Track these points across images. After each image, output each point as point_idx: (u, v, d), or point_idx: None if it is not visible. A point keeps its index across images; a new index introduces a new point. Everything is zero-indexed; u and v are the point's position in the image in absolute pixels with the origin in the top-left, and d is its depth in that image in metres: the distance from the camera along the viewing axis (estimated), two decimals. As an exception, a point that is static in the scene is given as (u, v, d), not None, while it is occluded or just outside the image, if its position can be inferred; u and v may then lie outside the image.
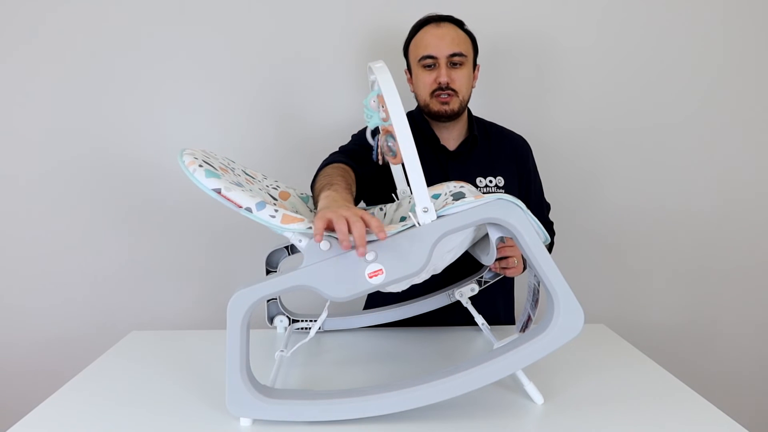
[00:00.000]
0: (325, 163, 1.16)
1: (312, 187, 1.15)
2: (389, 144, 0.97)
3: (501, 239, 0.91)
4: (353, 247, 0.77)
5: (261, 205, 0.82)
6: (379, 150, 1.02)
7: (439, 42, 1.26)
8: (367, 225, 0.78)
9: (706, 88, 1.77)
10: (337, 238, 0.79)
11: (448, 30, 1.28)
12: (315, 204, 1.05)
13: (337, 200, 0.89)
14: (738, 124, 1.79)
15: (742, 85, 1.77)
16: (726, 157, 1.80)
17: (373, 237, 0.79)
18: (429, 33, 1.28)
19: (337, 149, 1.32)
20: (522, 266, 1.20)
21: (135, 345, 1.21)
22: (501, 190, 1.33)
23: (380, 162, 1.04)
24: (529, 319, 0.99)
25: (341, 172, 1.10)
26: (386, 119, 0.96)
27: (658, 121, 1.78)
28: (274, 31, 1.70)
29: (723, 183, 1.81)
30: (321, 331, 1.27)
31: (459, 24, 1.31)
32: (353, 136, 1.35)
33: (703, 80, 1.76)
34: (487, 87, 1.71)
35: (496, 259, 1.16)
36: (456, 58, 1.26)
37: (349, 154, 1.21)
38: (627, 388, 0.97)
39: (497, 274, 1.24)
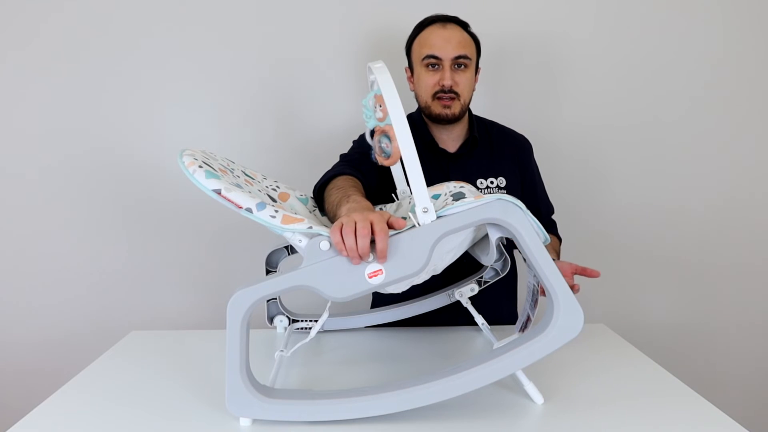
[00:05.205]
0: (333, 175, 1.14)
1: (319, 197, 1.14)
2: (382, 145, 0.96)
3: (501, 239, 0.91)
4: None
5: (261, 206, 0.83)
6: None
7: (444, 43, 1.25)
8: (374, 233, 0.79)
9: (706, 88, 1.77)
10: None
11: (453, 32, 1.27)
12: (331, 219, 1.04)
13: (357, 210, 0.88)
14: (737, 124, 1.79)
15: (744, 84, 1.77)
16: (726, 157, 1.80)
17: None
18: (434, 33, 1.27)
19: (337, 155, 1.32)
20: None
21: (135, 345, 1.21)
22: (503, 191, 1.32)
23: (379, 162, 1.04)
24: (528, 319, 0.99)
25: (353, 184, 1.09)
26: (382, 119, 0.96)
27: (657, 121, 1.78)
28: (273, 32, 1.70)
29: (723, 182, 1.81)
30: (321, 331, 1.26)
31: (464, 26, 1.30)
32: (354, 142, 1.34)
33: (703, 80, 1.77)
34: (490, 87, 1.71)
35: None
36: (461, 61, 1.26)
37: (353, 164, 1.20)
38: (627, 388, 0.97)
39: (497, 274, 1.24)
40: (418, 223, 0.82)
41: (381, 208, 1.20)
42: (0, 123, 1.69)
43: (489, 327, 1.18)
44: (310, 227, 0.81)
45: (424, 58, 1.27)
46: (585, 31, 1.74)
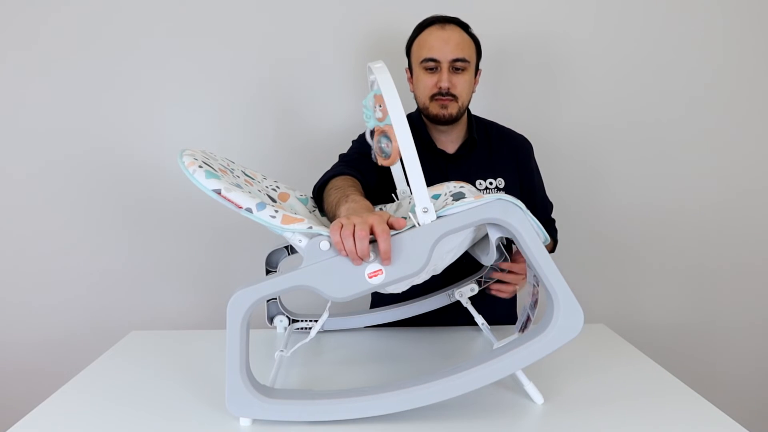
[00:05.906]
0: (332, 175, 1.14)
1: (318, 198, 1.14)
2: (382, 145, 0.97)
3: (501, 239, 0.91)
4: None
5: (261, 206, 0.83)
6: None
7: (443, 45, 1.24)
8: (376, 235, 0.79)
9: (706, 88, 1.77)
10: None
11: (452, 33, 1.25)
12: (330, 219, 1.04)
13: (356, 210, 0.88)
14: (737, 124, 1.79)
15: (744, 84, 1.77)
16: (726, 157, 1.80)
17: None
18: (433, 35, 1.26)
19: (337, 155, 1.31)
20: (513, 290, 1.22)
21: (135, 345, 1.21)
22: (502, 192, 1.32)
23: (379, 162, 1.04)
24: (528, 319, 0.99)
25: (351, 183, 1.09)
26: (382, 119, 0.96)
27: (657, 122, 1.78)
28: (273, 32, 1.70)
29: (723, 182, 1.81)
30: (321, 331, 1.27)
31: (464, 27, 1.29)
32: (354, 143, 1.34)
33: (703, 80, 1.77)
34: (491, 87, 1.71)
35: (497, 281, 1.20)
36: (459, 64, 1.25)
37: (353, 164, 1.20)
38: (627, 388, 0.97)
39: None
40: (418, 223, 0.82)
41: (381, 208, 1.20)
42: (0, 123, 1.69)
43: (489, 327, 1.18)
44: (310, 227, 0.81)
45: (422, 61, 1.27)
46: (585, 31, 1.74)
